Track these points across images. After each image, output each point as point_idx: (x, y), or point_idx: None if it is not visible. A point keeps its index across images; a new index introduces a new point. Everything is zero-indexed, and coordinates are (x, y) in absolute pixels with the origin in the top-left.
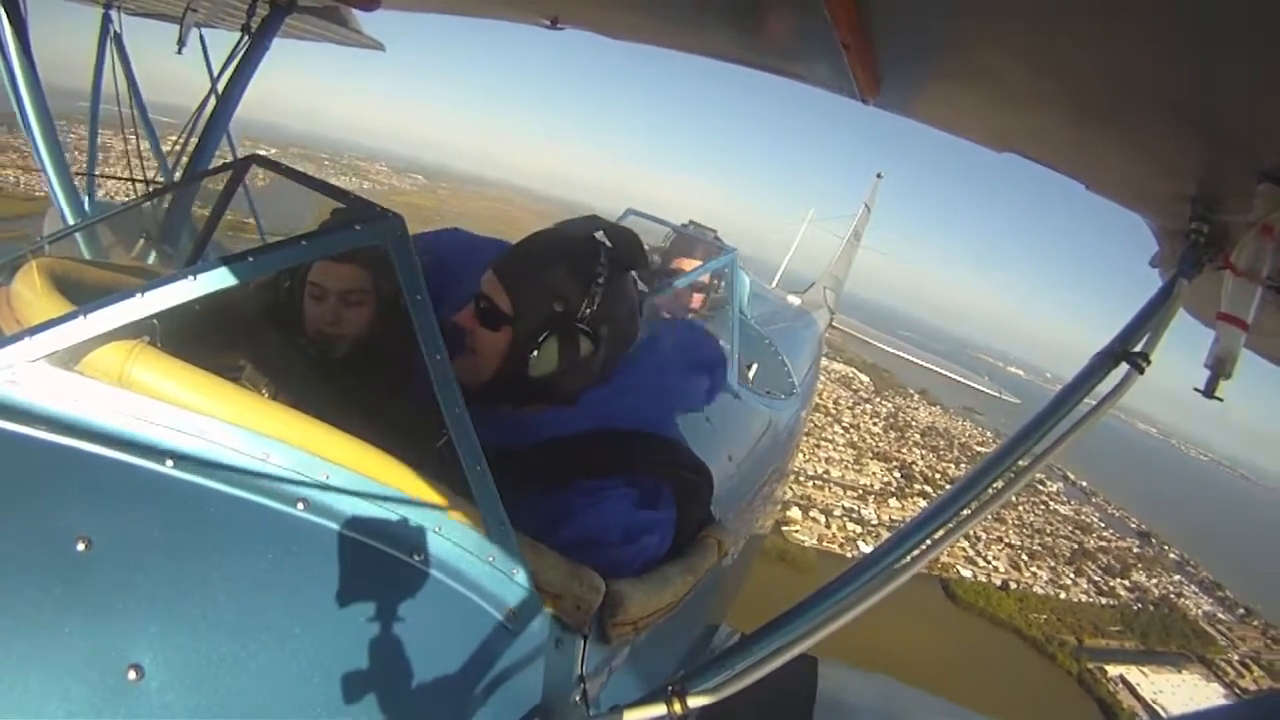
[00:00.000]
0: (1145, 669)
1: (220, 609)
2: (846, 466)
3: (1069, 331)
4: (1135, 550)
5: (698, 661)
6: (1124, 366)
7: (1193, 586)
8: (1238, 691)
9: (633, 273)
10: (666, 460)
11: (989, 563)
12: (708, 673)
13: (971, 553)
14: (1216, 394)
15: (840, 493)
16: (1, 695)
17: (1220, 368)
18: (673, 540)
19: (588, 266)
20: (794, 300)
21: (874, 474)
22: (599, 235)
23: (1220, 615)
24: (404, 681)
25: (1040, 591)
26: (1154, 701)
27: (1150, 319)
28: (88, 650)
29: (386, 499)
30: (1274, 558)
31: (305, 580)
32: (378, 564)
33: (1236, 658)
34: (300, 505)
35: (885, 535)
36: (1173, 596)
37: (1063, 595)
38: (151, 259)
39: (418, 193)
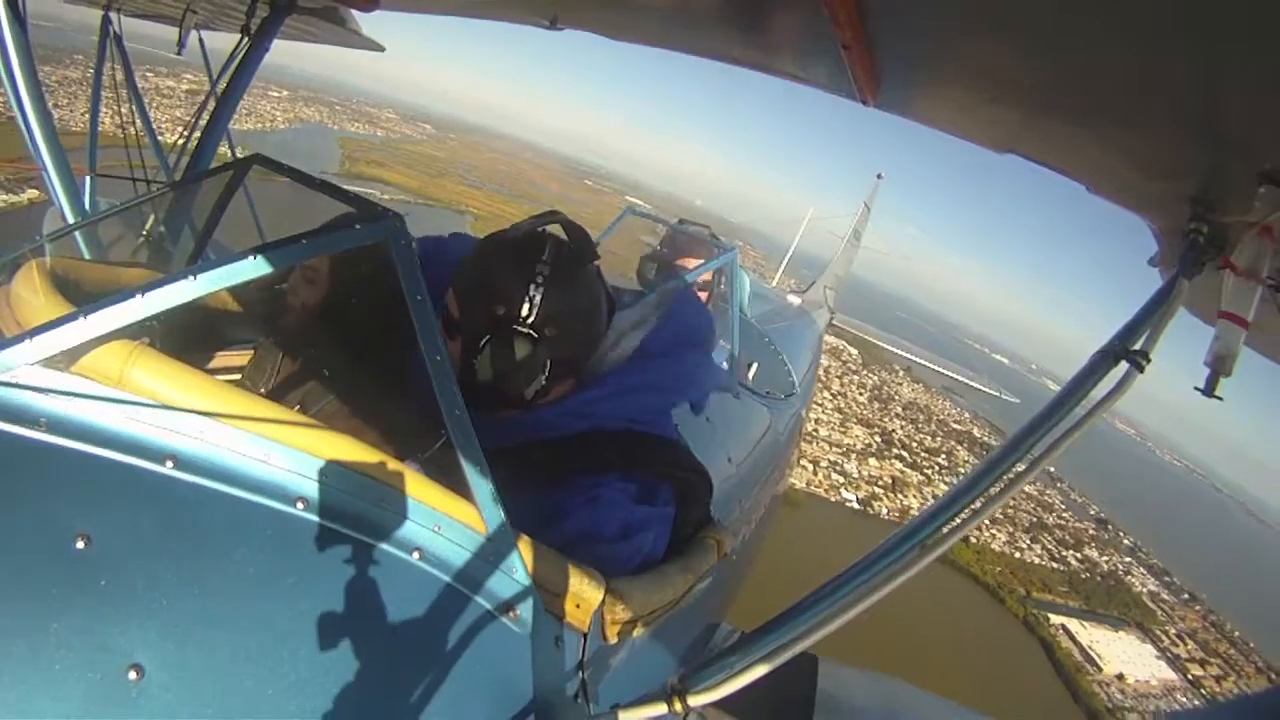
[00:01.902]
0: (1085, 623)
1: (220, 609)
2: (833, 427)
3: (1056, 325)
4: (1091, 532)
5: (698, 660)
6: (1124, 365)
7: (1141, 569)
8: (1171, 655)
9: (593, 265)
10: (664, 461)
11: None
12: (707, 672)
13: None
14: (1216, 393)
15: (826, 448)
16: (2, 695)
17: (1220, 365)
18: (671, 540)
19: (526, 266)
20: (794, 300)
21: (857, 436)
22: (552, 230)
23: (1164, 596)
24: (403, 680)
25: (997, 549)
26: (1090, 648)
27: (1150, 317)
28: (88, 650)
29: (386, 498)
30: (1232, 562)
31: (305, 580)
32: (377, 563)
33: (1174, 631)
34: (300, 505)
35: (863, 486)
36: (1120, 573)
37: (1017, 555)
38: (151, 259)
39: (428, 142)
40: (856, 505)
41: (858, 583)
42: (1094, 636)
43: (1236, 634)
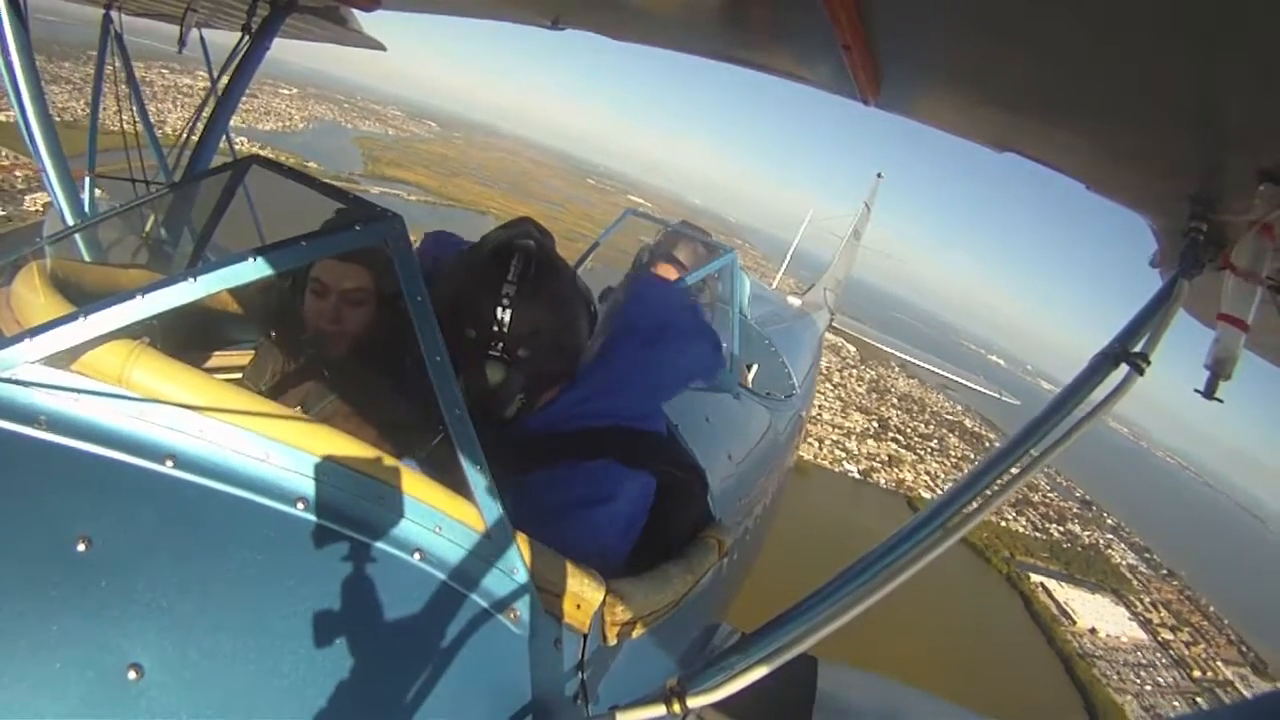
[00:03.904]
0: (1063, 584)
1: (220, 608)
2: (835, 412)
3: (1051, 326)
4: (1075, 510)
5: (697, 661)
6: (1124, 367)
7: (1122, 544)
8: (1143, 619)
9: (566, 273)
10: (654, 456)
11: (941, 491)
12: (707, 673)
13: (933, 484)
14: (1216, 395)
15: (830, 429)
16: (2, 695)
17: (1220, 369)
18: (671, 540)
19: (493, 287)
20: (794, 301)
21: (856, 421)
22: (520, 240)
23: (1143, 569)
24: (404, 680)
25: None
26: (1065, 604)
27: (1150, 319)
28: (88, 650)
29: (386, 498)
30: (1217, 550)
31: (305, 580)
32: (378, 563)
33: (1149, 599)
34: (300, 505)
35: (863, 461)
36: (1101, 546)
37: (1003, 524)
38: (151, 261)
39: (436, 141)
40: (857, 475)
41: (855, 584)
42: (1070, 595)
43: (1211, 609)
